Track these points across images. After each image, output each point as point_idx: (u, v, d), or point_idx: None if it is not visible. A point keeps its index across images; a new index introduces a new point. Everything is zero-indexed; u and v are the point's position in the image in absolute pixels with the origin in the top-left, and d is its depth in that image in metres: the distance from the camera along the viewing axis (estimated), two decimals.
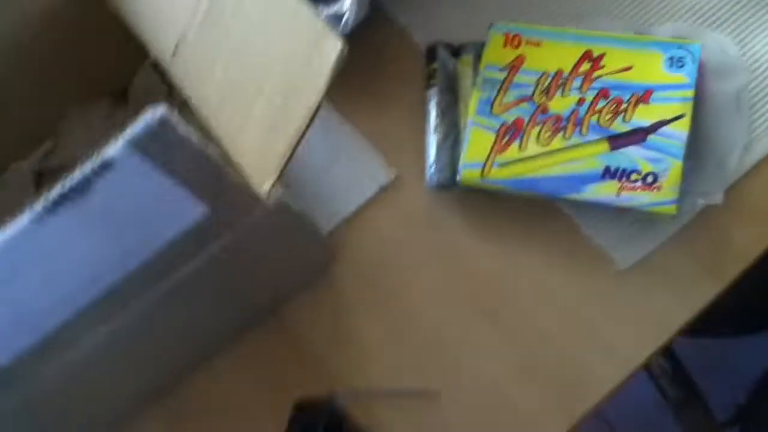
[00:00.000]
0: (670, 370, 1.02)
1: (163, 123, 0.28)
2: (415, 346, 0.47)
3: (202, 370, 0.48)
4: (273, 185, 0.36)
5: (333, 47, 0.31)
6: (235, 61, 0.36)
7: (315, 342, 0.48)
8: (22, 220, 0.29)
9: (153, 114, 0.28)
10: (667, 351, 1.02)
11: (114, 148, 0.28)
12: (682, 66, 0.43)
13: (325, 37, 0.31)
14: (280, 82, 0.34)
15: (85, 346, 0.37)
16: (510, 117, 0.45)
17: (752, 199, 0.45)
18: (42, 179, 0.53)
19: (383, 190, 0.50)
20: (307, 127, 0.33)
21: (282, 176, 0.35)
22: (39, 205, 0.28)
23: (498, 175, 0.44)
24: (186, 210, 0.33)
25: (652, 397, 1.02)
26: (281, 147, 0.34)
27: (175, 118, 0.29)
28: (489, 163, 0.45)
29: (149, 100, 0.55)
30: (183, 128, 0.29)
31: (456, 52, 0.49)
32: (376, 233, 0.50)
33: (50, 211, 0.28)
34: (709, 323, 0.82)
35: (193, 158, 0.31)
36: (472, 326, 0.47)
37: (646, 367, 1.08)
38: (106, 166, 0.28)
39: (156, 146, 0.29)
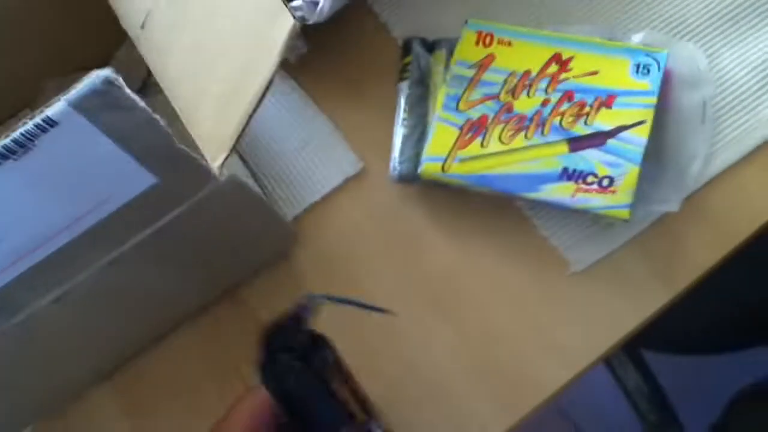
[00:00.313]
0: (646, 389, 1.02)
1: (107, 85, 0.29)
2: (367, 335, 0.48)
3: (155, 347, 0.49)
4: (224, 161, 0.36)
5: (286, 23, 0.31)
6: (196, 35, 0.37)
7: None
8: None
9: (97, 76, 0.28)
10: (644, 369, 1.03)
11: (56, 106, 0.28)
12: (647, 73, 0.44)
13: (280, 12, 0.32)
14: (236, 57, 0.34)
15: (29, 314, 0.37)
16: (475, 114, 0.46)
17: (709, 211, 0.45)
18: None
19: (349, 180, 0.51)
20: (259, 103, 0.33)
21: (233, 152, 0.36)
22: None
23: (458, 170, 0.45)
24: (134, 179, 0.34)
25: (628, 414, 1.02)
26: (233, 123, 0.35)
27: (121, 82, 0.29)
28: (450, 158, 0.45)
29: (131, 75, 0.56)
30: (130, 93, 0.30)
31: (431, 47, 0.50)
32: (339, 222, 0.50)
33: None
34: (688, 340, 0.82)
35: (140, 125, 0.31)
36: (425, 319, 0.47)
37: (623, 385, 1.08)
38: (48, 125, 0.29)
39: (100, 108, 0.29)
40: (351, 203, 0.50)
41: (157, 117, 0.31)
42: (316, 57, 0.52)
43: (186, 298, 0.47)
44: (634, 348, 0.98)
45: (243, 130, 0.34)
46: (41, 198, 0.31)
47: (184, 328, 0.49)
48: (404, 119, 0.48)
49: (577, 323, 0.45)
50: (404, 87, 0.49)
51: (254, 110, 0.33)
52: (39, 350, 0.41)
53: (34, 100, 0.54)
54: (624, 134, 0.43)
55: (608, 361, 0.95)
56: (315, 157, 0.51)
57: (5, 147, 0.28)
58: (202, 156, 0.36)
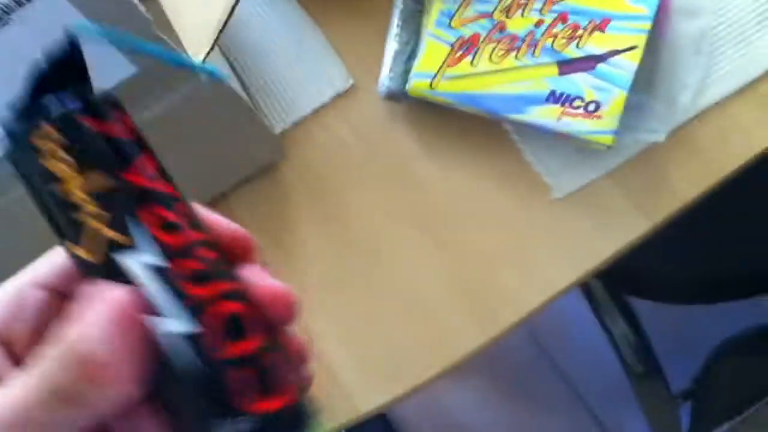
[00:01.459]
0: (632, 339, 1.03)
1: None
2: (350, 251, 0.48)
3: None
4: (206, 56, 0.36)
5: None
6: None
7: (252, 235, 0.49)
8: None
9: None
10: (632, 318, 1.04)
11: None
12: None
13: None
14: None
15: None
16: (467, 32, 0.45)
17: (696, 143, 0.45)
18: None
19: (339, 96, 0.50)
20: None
21: (214, 48, 0.36)
22: None
23: (446, 87, 0.44)
24: (112, 66, 0.34)
25: (615, 365, 1.04)
26: (215, 17, 0.35)
27: None
28: (439, 75, 0.45)
29: None
30: None
31: None
32: (326, 137, 0.50)
33: None
34: (679, 290, 0.83)
35: (120, 7, 0.31)
36: (408, 237, 0.48)
37: (610, 334, 1.09)
38: None
39: None
40: (339, 118, 0.50)
41: (143, 7, 0.31)
42: None
43: None
44: (623, 296, 0.99)
45: (225, 23, 0.34)
46: (10, 78, 0.31)
47: None
48: (396, 35, 0.47)
49: (556, 248, 0.46)
50: (399, 2, 0.48)
51: (235, 6, 0.33)
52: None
53: None
54: (615, 59, 0.42)
55: (596, 309, 0.96)
56: (306, 70, 0.51)
57: None
58: (184, 51, 0.36)
